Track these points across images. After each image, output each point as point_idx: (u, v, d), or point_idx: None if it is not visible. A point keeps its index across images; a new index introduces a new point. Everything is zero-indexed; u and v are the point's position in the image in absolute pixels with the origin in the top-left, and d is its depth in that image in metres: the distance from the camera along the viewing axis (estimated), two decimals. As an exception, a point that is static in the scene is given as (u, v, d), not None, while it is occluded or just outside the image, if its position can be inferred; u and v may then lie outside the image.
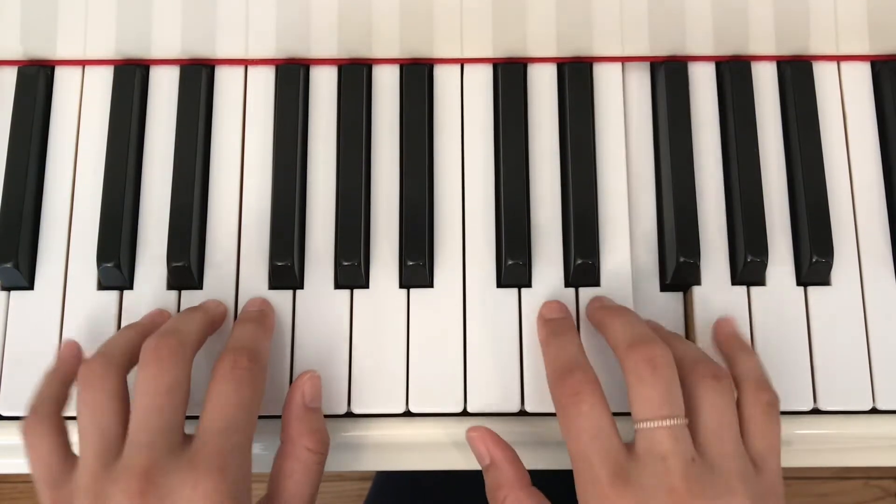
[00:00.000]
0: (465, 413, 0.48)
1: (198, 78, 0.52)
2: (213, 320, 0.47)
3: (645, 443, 0.41)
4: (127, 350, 0.44)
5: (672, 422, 0.40)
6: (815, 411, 0.48)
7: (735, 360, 0.45)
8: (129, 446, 0.40)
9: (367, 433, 0.48)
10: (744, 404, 0.43)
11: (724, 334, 0.48)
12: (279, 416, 0.48)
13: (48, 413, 0.43)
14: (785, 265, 0.50)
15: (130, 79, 0.52)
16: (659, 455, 0.40)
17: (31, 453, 0.43)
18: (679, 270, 0.49)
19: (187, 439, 0.41)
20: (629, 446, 0.41)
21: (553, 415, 0.47)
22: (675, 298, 0.50)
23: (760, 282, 0.50)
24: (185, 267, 0.49)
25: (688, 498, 0.39)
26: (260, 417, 0.44)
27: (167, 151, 0.51)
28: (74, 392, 0.44)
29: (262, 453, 0.47)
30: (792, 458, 0.48)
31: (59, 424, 0.43)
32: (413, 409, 0.48)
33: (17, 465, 0.48)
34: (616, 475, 0.40)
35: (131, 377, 0.43)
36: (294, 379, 0.47)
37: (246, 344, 0.44)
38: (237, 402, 0.42)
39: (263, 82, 0.53)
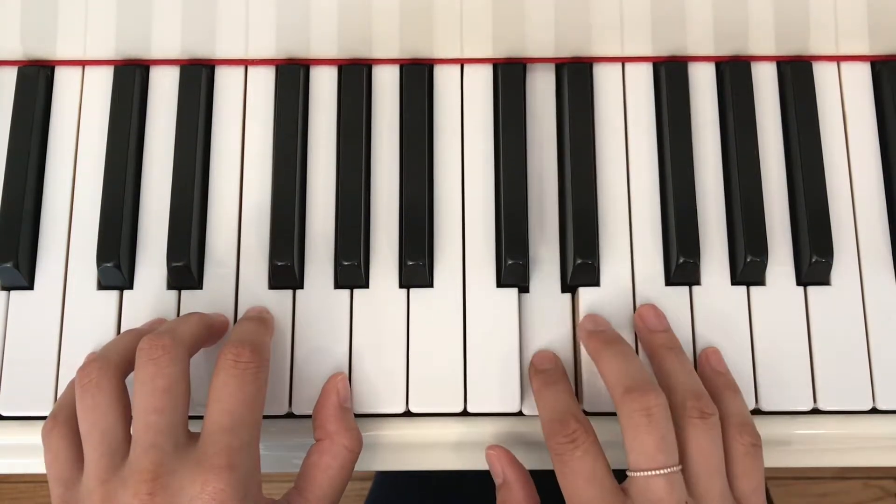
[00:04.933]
0: (465, 413, 0.48)
1: (198, 78, 0.52)
2: (211, 325, 0.47)
3: (640, 489, 0.41)
4: (124, 353, 0.44)
5: (667, 470, 0.41)
6: (815, 411, 0.48)
7: (720, 399, 0.46)
8: (134, 448, 0.40)
9: (368, 433, 0.47)
10: (728, 444, 0.44)
11: (711, 369, 0.48)
12: (282, 417, 0.48)
13: (66, 418, 0.44)
14: (785, 265, 0.50)
15: (130, 79, 0.52)
16: (653, 501, 0.41)
17: (47, 454, 0.43)
18: (679, 270, 0.49)
19: (192, 437, 0.41)
20: (623, 489, 0.42)
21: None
22: (675, 299, 0.50)
23: (760, 282, 0.50)
24: (185, 267, 0.49)
25: None
26: (263, 418, 0.44)
27: (167, 151, 0.51)
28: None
29: (265, 454, 0.47)
30: (792, 458, 0.48)
31: (76, 429, 0.43)
32: (413, 409, 0.48)
33: (18, 465, 0.48)
34: None
35: (130, 383, 0.43)
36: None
37: (248, 338, 0.44)
38: (242, 399, 0.42)
39: (263, 82, 0.53)
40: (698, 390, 0.44)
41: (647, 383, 0.43)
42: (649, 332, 0.48)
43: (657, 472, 0.41)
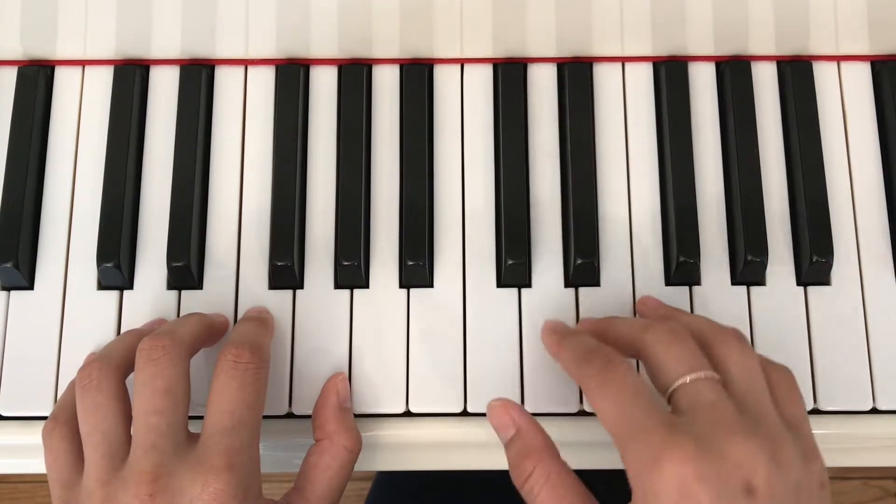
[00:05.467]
0: (465, 413, 0.48)
1: (198, 78, 0.52)
2: (211, 325, 0.47)
3: (687, 398, 0.38)
4: (125, 354, 0.44)
5: (708, 374, 0.38)
6: (815, 411, 0.48)
7: None
8: (134, 449, 0.40)
9: (368, 433, 0.47)
10: (767, 376, 0.40)
11: None
12: (282, 417, 0.48)
13: (66, 419, 0.44)
14: (785, 265, 0.50)
15: (130, 79, 0.52)
16: (706, 403, 0.37)
17: (47, 455, 0.43)
18: (679, 270, 0.49)
19: (192, 438, 0.41)
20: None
21: (552, 415, 0.47)
22: (675, 299, 0.50)
23: (760, 282, 0.50)
24: (185, 267, 0.49)
25: (749, 432, 0.36)
26: (263, 418, 0.43)
27: (167, 151, 0.51)
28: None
29: (265, 454, 0.47)
30: (792, 458, 0.48)
31: (76, 430, 0.43)
32: (413, 409, 0.48)
33: (18, 465, 0.48)
34: (668, 424, 0.36)
35: (131, 384, 0.43)
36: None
37: (248, 338, 0.44)
38: (242, 399, 0.42)
39: (263, 82, 0.53)
40: (722, 324, 0.42)
41: (666, 317, 0.42)
42: (653, 310, 0.47)
43: (698, 374, 0.38)
